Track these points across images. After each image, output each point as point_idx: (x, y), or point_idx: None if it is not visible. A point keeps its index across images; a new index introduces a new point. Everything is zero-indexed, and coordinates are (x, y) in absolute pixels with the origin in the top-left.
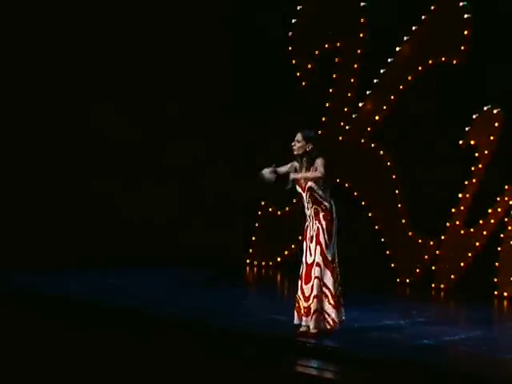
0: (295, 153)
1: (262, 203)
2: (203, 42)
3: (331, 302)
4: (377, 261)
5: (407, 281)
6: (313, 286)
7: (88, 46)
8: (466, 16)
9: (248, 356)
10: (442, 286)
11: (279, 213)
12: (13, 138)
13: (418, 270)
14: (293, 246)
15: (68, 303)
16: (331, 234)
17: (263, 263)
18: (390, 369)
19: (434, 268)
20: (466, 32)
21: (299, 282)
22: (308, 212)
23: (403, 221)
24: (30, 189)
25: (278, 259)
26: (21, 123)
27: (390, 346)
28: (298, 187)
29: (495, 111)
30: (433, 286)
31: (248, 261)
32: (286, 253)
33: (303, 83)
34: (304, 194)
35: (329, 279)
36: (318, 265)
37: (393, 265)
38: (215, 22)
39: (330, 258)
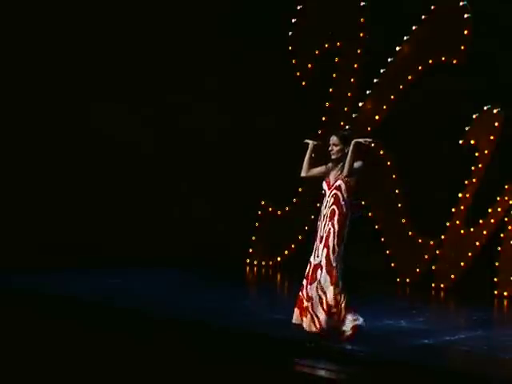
0: (333, 157)
1: (262, 203)
2: (202, 40)
3: (324, 307)
4: (377, 261)
5: (407, 281)
6: (313, 287)
7: (87, 45)
8: (465, 16)
9: (248, 356)
10: (442, 285)
11: (279, 213)
12: (14, 137)
13: (417, 270)
14: (293, 246)
15: (68, 303)
16: (342, 237)
17: (263, 263)
18: (390, 369)
19: (434, 268)
20: (465, 32)
21: (304, 282)
22: (324, 211)
23: (403, 221)
24: (30, 189)
25: (278, 259)
26: (22, 122)
27: (390, 345)
28: (324, 183)
29: (495, 111)
30: (433, 285)
31: (248, 261)
32: (285, 253)
33: (303, 83)
34: (328, 192)
35: (327, 285)
36: (321, 268)
37: (393, 265)
38: (215, 22)
39: (333, 264)
